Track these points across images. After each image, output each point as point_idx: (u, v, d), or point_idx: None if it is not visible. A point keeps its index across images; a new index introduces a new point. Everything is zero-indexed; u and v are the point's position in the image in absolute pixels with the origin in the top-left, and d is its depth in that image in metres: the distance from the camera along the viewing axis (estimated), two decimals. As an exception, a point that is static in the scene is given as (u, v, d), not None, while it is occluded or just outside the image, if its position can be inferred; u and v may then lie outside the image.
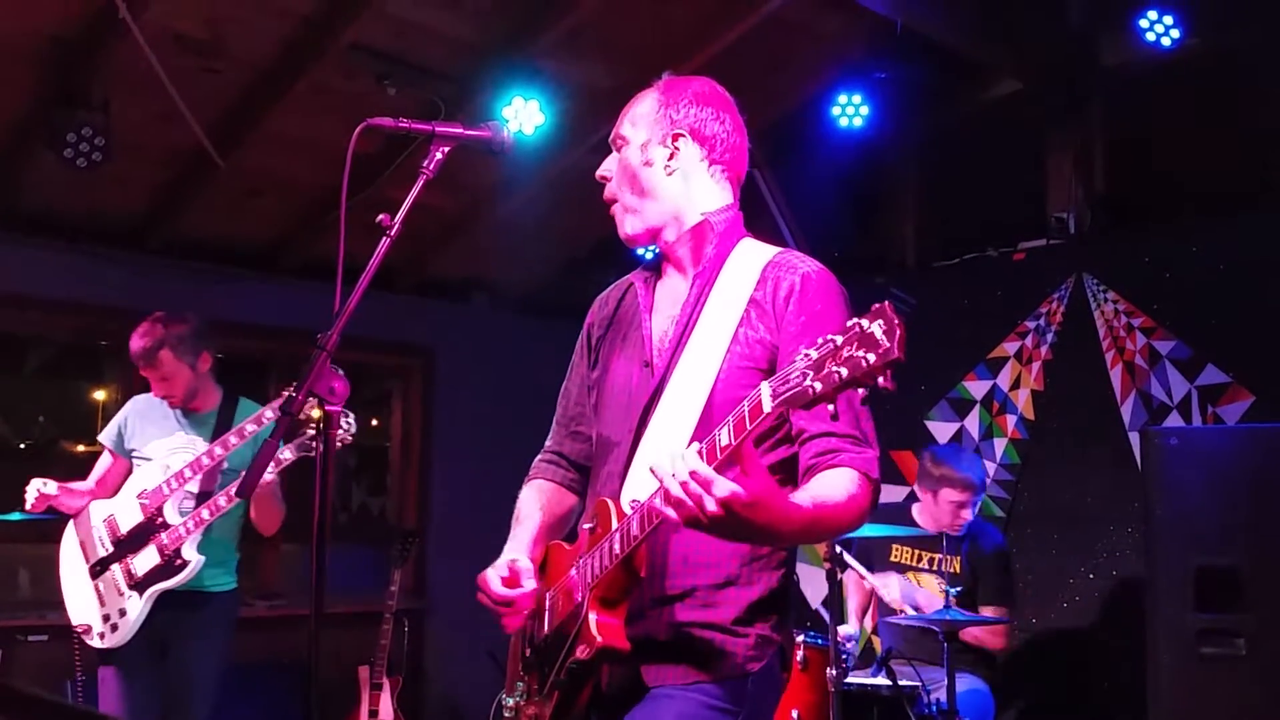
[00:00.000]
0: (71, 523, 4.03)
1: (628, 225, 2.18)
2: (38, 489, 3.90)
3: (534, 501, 2.34)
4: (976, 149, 5.83)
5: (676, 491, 1.65)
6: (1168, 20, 4.85)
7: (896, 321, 1.47)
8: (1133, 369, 5.02)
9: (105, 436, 4.12)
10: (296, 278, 5.80)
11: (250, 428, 3.71)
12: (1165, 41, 4.87)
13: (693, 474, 1.64)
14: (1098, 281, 5.18)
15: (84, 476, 4.14)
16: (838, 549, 4.16)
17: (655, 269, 2.26)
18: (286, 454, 3.72)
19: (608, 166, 2.21)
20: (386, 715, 5.51)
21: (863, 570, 4.40)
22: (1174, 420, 4.84)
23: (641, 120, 2.17)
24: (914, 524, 4.54)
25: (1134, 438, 4.82)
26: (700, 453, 1.68)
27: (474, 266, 6.45)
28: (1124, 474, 4.85)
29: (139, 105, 4.58)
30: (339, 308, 1.96)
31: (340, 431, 3.46)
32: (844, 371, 1.49)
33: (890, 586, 4.47)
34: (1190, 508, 3.88)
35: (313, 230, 5.61)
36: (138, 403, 4.12)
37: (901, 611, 4.37)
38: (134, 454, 4.04)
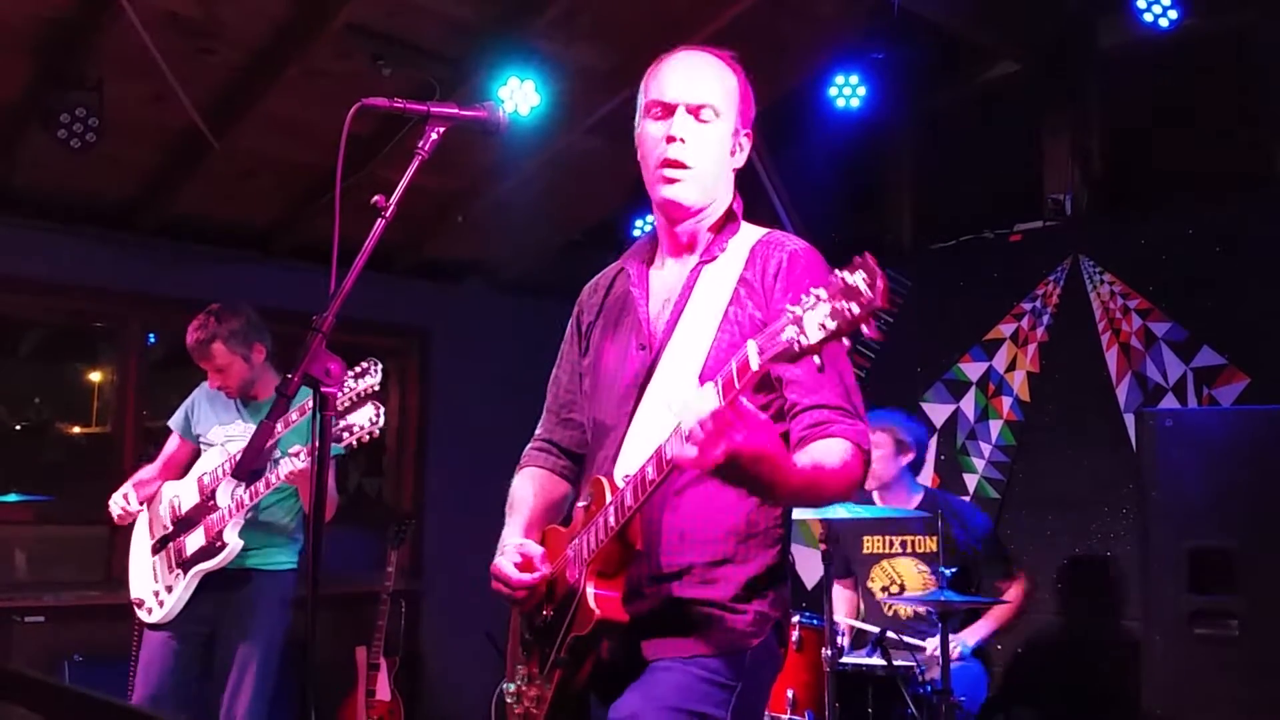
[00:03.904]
0: (146, 503, 4.15)
1: (690, 195, 2.09)
2: (121, 506, 4.05)
3: (527, 488, 2.34)
4: (973, 131, 5.82)
5: (689, 427, 1.66)
6: (1165, 1, 4.83)
7: (878, 271, 1.49)
8: (1128, 351, 5.02)
9: (173, 422, 4.22)
10: (291, 259, 5.78)
11: (294, 416, 3.62)
12: (1163, 22, 4.85)
13: (713, 414, 1.64)
14: (1094, 263, 5.18)
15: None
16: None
17: (648, 252, 2.26)
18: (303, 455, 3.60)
19: (684, 128, 2.07)
20: (384, 695, 5.54)
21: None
22: (1169, 402, 4.85)
23: (729, 101, 2.12)
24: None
25: (1129, 419, 4.82)
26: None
27: (470, 248, 6.43)
28: (1119, 456, 4.85)
29: (132, 86, 4.55)
30: (334, 289, 1.96)
31: (369, 425, 3.46)
32: (829, 323, 1.51)
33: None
34: (1185, 489, 3.90)
35: (308, 211, 5.59)
36: (205, 389, 4.17)
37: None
38: (200, 439, 4.12)
